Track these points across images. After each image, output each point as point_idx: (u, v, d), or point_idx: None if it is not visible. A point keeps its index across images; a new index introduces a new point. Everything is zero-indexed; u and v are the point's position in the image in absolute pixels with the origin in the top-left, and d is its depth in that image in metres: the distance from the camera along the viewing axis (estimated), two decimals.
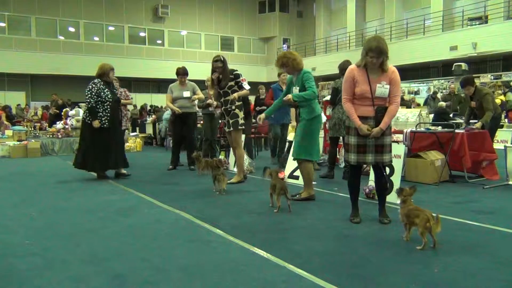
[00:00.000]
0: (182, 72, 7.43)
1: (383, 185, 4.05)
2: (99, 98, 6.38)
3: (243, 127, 6.14)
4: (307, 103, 4.81)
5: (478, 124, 6.42)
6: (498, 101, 11.04)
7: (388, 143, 3.88)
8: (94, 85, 6.40)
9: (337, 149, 7.01)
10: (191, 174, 7.13)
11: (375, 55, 3.64)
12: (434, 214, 3.15)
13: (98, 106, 6.37)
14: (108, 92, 6.45)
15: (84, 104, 6.89)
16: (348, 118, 3.93)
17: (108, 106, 6.43)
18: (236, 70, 6.05)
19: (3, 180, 6.82)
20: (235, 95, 5.87)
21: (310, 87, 4.72)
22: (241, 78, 5.99)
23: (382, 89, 3.73)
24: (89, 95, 6.35)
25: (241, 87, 5.99)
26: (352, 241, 3.42)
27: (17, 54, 22.26)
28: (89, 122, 6.39)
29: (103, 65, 6.60)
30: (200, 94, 7.59)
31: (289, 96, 4.77)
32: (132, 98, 8.59)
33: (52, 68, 22.69)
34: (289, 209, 4.36)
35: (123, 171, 6.76)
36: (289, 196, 4.41)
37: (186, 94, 7.37)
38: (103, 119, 6.38)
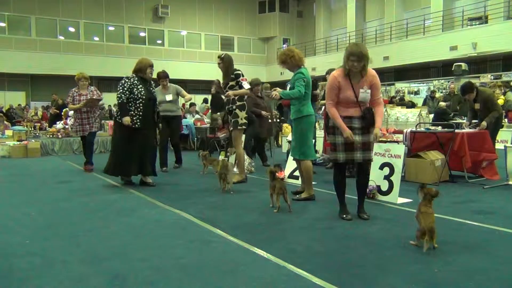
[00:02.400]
0: (163, 76, 7.36)
1: (366, 182, 4.29)
2: (131, 95, 5.78)
3: (243, 127, 6.13)
4: (298, 102, 4.89)
5: (483, 124, 6.43)
6: (500, 101, 11.05)
7: (372, 140, 4.06)
8: (127, 80, 5.83)
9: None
10: (190, 174, 7.13)
11: (355, 59, 3.83)
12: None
13: (130, 104, 5.80)
14: (142, 89, 5.83)
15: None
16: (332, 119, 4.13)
17: (141, 104, 5.80)
18: (238, 70, 6.05)
19: (3, 180, 6.82)
20: (230, 93, 5.90)
21: (297, 86, 4.79)
22: (241, 78, 5.97)
23: (364, 94, 3.95)
24: (121, 91, 5.77)
25: (241, 87, 6.00)
26: (352, 241, 3.42)
27: (17, 54, 22.24)
28: (119, 120, 5.84)
29: (142, 60, 6.02)
30: (187, 95, 7.64)
31: (277, 92, 4.76)
32: (103, 98, 8.21)
33: (52, 68, 22.69)
34: (289, 209, 4.36)
35: (149, 179, 6.08)
36: (288, 196, 4.41)
37: (169, 97, 7.37)
38: (134, 118, 5.77)
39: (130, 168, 5.88)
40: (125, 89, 5.79)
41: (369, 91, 3.94)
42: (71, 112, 11.76)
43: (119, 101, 5.82)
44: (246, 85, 5.98)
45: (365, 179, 4.27)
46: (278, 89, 4.83)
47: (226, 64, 6.02)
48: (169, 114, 7.38)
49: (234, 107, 6.00)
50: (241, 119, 6.02)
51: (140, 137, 5.85)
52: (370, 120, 3.98)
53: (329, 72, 7.36)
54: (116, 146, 5.96)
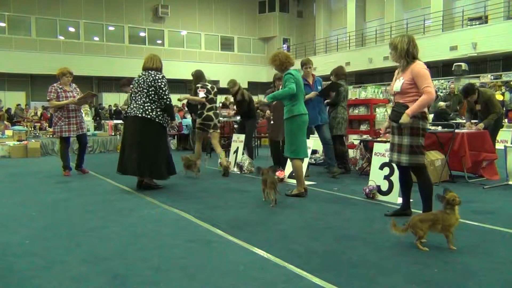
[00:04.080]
0: (127, 83, 7.57)
1: (422, 187, 3.86)
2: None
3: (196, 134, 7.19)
4: (290, 102, 5.04)
5: (481, 125, 6.43)
6: (499, 97, 11.05)
7: (405, 143, 3.81)
8: (165, 79, 5.57)
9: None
10: (190, 174, 7.12)
11: (390, 50, 4.05)
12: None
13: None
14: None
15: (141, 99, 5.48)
16: None
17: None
18: (201, 83, 6.98)
19: (3, 180, 6.82)
20: (180, 97, 7.71)
21: (288, 84, 4.96)
22: (199, 89, 6.91)
23: (398, 82, 3.92)
24: (168, 91, 5.52)
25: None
26: (352, 241, 3.42)
27: (17, 54, 22.22)
28: (160, 121, 5.55)
29: (159, 58, 5.80)
30: None
31: (264, 100, 5.36)
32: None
33: (52, 68, 22.48)
34: (274, 203, 4.53)
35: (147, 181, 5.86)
36: (278, 191, 4.59)
37: None
38: (167, 119, 5.72)
39: (171, 168, 5.91)
40: (167, 88, 5.58)
41: (402, 80, 3.86)
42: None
43: (171, 102, 5.61)
44: (201, 94, 6.87)
45: (421, 184, 3.84)
46: (264, 99, 5.33)
47: (193, 79, 7.12)
48: None
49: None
50: (199, 124, 7.01)
51: (166, 138, 6.14)
52: (396, 114, 3.78)
53: (333, 72, 7.36)
54: (165, 149, 5.77)
